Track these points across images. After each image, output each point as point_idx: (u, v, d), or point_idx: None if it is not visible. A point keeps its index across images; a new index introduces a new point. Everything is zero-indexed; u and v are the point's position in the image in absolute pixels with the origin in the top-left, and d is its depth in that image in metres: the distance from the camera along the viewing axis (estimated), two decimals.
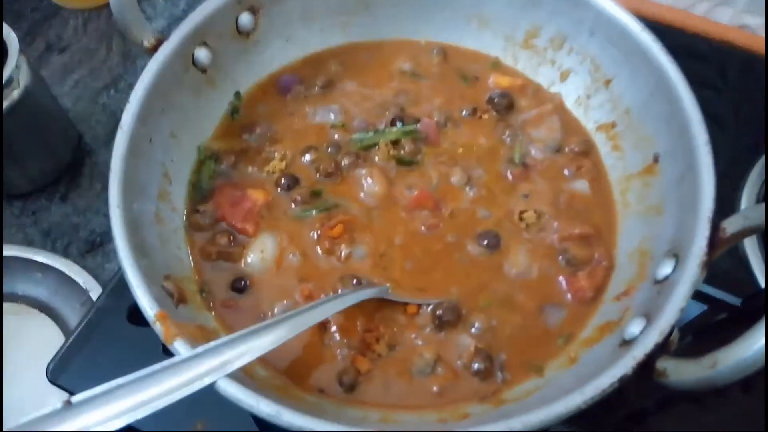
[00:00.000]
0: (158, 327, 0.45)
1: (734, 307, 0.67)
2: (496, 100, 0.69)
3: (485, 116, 0.69)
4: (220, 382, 0.43)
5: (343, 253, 0.59)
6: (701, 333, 0.68)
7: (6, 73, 0.70)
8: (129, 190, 0.51)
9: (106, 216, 0.84)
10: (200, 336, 0.50)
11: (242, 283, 0.57)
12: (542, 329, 0.56)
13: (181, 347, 0.45)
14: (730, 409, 0.61)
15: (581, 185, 0.64)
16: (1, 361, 0.72)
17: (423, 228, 0.61)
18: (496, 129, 0.68)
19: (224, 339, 0.44)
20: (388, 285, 0.58)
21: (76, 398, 0.38)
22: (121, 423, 0.38)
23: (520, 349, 0.55)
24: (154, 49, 0.57)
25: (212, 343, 0.44)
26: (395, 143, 0.66)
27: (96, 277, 0.77)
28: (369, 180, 0.63)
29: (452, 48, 0.73)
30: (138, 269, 0.47)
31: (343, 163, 0.64)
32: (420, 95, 0.70)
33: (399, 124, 0.67)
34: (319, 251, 0.59)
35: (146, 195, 0.55)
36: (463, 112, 0.69)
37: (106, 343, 0.62)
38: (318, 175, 0.64)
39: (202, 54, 0.62)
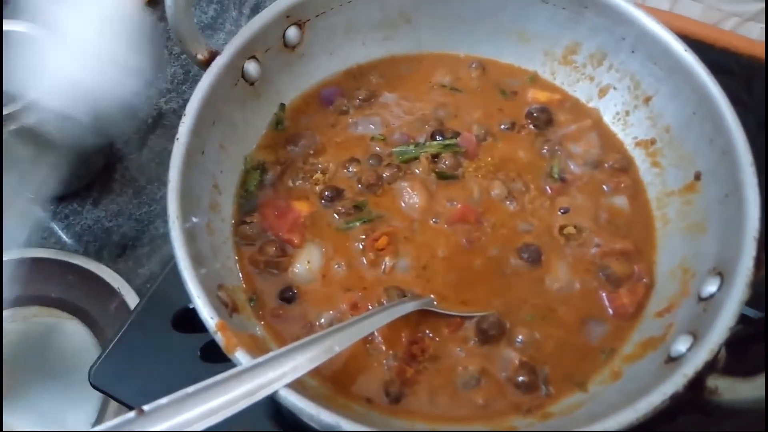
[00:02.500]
0: (219, 337, 0.46)
1: (753, 320, 0.67)
2: (534, 114, 0.70)
3: (524, 131, 0.70)
4: (281, 392, 0.44)
5: (387, 265, 0.60)
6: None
7: None
8: (186, 202, 0.52)
9: (138, 220, 0.87)
10: (253, 345, 0.51)
11: (290, 292, 0.58)
12: (584, 343, 0.57)
13: (242, 357, 0.45)
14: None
15: (620, 201, 0.65)
16: (1, 361, 0.73)
17: (464, 241, 0.62)
18: (534, 143, 0.69)
19: (282, 349, 0.45)
20: (432, 296, 0.59)
21: (149, 407, 0.39)
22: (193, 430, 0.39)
23: (563, 363, 0.56)
24: (207, 62, 0.58)
25: (272, 354, 0.45)
26: (435, 156, 0.67)
27: (129, 281, 0.78)
28: (411, 193, 0.64)
29: (491, 62, 0.74)
30: (197, 279, 0.48)
31: (384, 176, 0.65)
32: (459, 108, 0.71)
33: (439, 138, 0.68)
34: (365, 262, 0.60)
35: (200, 206, 0.56)
36: (502, 126, 0.70)
37: (146, 347, 0.63)
38: (360, 186, 0.65)
39: (251, 67, 0.63)
